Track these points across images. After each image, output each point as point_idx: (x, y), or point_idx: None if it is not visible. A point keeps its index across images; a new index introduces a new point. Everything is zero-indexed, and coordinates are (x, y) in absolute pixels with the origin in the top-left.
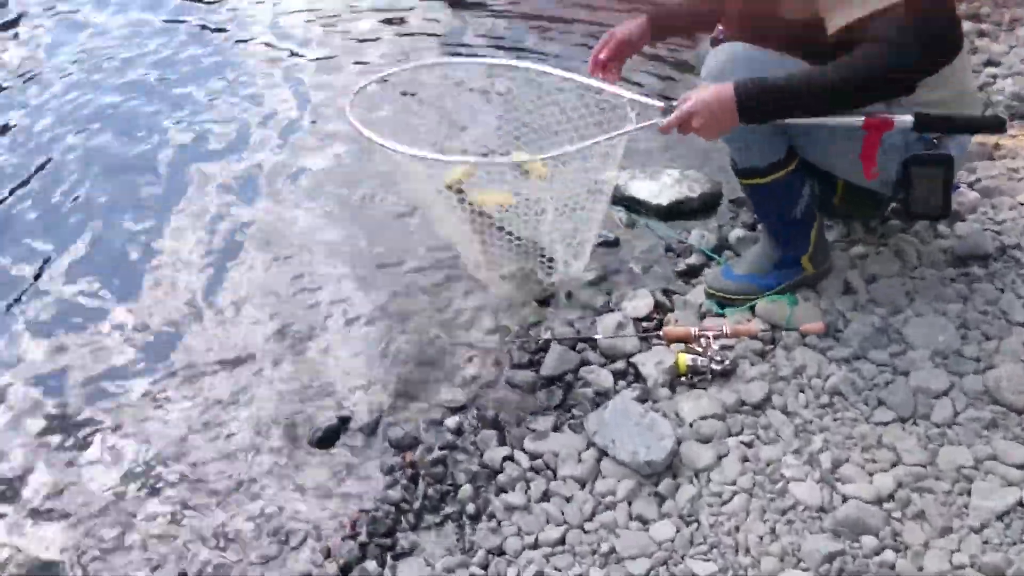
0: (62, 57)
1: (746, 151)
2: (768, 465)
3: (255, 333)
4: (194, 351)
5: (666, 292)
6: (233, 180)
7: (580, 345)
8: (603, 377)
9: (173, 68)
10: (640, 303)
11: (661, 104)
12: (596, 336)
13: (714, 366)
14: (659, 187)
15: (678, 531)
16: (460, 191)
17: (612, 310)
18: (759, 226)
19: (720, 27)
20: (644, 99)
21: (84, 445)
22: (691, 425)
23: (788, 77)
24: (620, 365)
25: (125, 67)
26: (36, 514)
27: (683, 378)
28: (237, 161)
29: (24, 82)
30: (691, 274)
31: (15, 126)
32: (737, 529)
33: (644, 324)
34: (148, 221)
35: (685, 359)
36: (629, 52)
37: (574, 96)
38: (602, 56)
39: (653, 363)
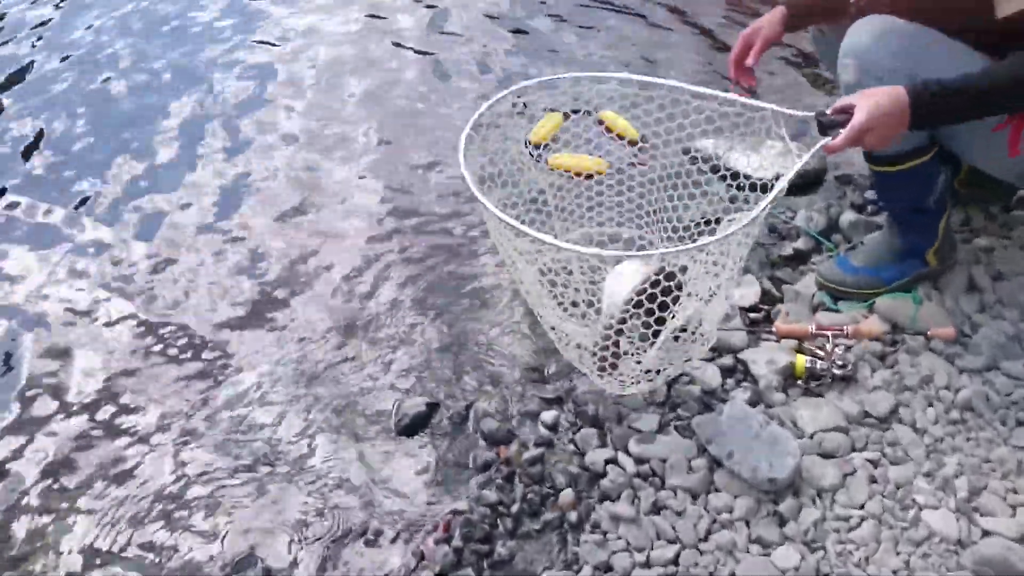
0: None
1: None
2: (898, 488)
3: (316, 316)
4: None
5: (773, 279)
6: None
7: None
8: (710, 374)
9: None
10: (748, 291)
11: (811, 114)
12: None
13: (835, 371)
14: (760, 159)
15: (803, 559)
16: (538, 147)
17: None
18: (871, 209)
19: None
20: (789, 110)
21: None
22: (811, 437)
23: (965, 79)
24: (728, 361)
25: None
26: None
27: (799, 381)
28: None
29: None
30: (799, 259)
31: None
32: (868, 560)
33: (751, 315)
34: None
35: (803, 361)
36: (766, 49)
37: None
38: (749, 61)
39: (764, 361)
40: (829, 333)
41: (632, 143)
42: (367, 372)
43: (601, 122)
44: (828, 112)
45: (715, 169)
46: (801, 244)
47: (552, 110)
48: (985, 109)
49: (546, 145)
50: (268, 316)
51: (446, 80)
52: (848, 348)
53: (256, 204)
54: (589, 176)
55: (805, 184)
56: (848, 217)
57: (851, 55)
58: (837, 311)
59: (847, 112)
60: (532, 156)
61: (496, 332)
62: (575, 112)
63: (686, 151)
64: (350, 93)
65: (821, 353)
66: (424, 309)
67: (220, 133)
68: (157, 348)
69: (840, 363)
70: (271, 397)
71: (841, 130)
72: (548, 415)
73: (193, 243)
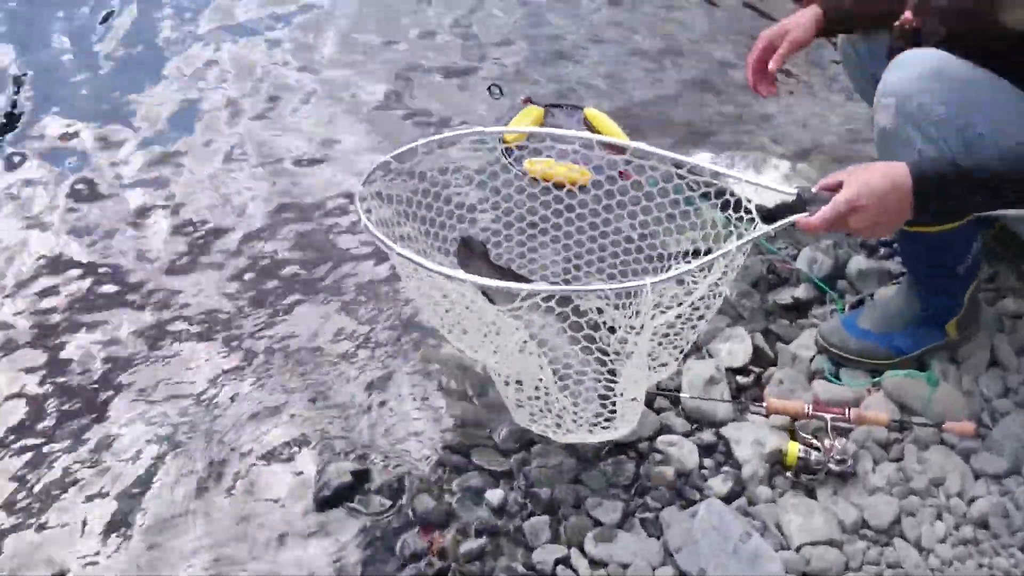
0: None
1: None
2: None
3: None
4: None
5: (768, 334)
6: None
7: (657, 401)
8: (686, 452)
9: None
10: (737, 348)
11: (794, 189)
12: (681, 394)
13: (832, 465)
14: (764, 183)
15: None
16: (510, 149)
17: (700, 350)
18: (884, 252)
19: (908, 15)
20: (766, 182)
21: None
22: (798, 551)
23: (1000, 157)
24: (708, 436)
25: None
26: None
27: (789, 472)
28: None
29: None
30: (799, 310)
31: None
32: None
33: (740, 379)
34: None
35: (796, 450)
36: (792, 54)
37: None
38: (772, 66)
39: (751, 441)
40: (828, 416)
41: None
42: (284, 427)
43: (587, 121)
44: (813, 189)
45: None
46: (802, 292)
47: (530, 101)
48: (1003, 202)
49: (521, 147)
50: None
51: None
52: (847, 431)
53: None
54: (570, 187)
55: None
56: (858, 263)
57: (892, 94)
58: (838, 382)
59: (836, 191)
60: (506, 160)
61: (440, 384)
62: (556, 107)
63: (677, 165)
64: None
65: (817, 444)
66: (357, 350)
67: None
68: None
69: (839, 458)
70: (147, 451)
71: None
72: (494, 495)
73: None
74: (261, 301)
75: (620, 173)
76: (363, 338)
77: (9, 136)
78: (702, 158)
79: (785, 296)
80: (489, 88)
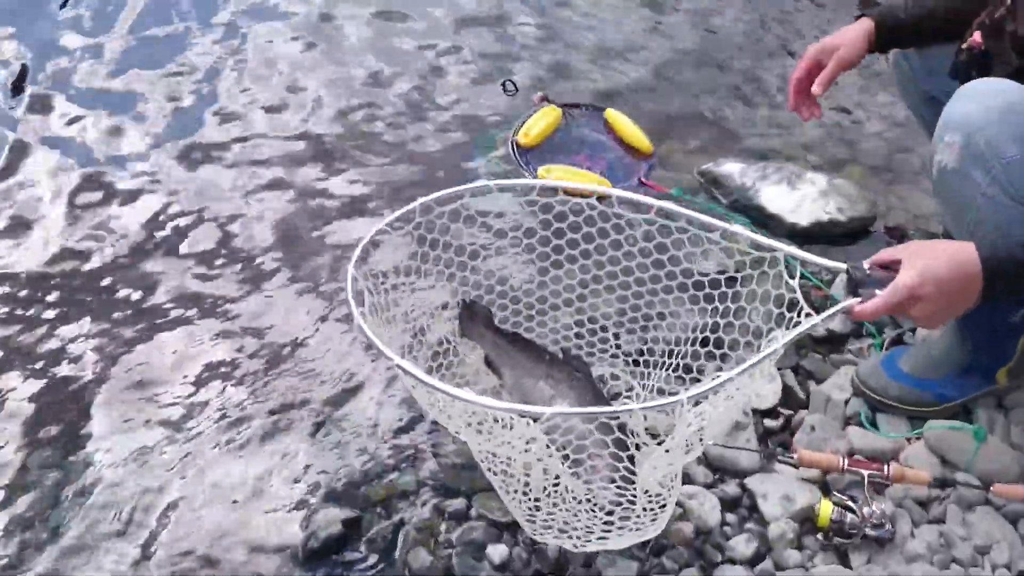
0: None
1: (982, 236)
2: None
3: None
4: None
5: (799, 371)
6: None
7: None
8: (708, 507)
9: None
10: (766, 388)
11: (843, 265)
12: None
13: (869, 530)
14: (798, 199)
15: None
16: (524, 150)
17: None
18: None
19: (977, 39)
20: (810, 256)
21: None
22: None
23: None
24: (732, 489)
25: None
26: None
27: (820, 534)
28: None
29: None
30: (833, 344)
31: None
32: None
33: (768, 422)
34: None
35: (830, 511)
36: (840, 73)
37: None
38: (816, 89)
39: (779, 497)
40: (865, 472)
41: (643, 155)
42: (268, 460)
43: (607, 123)
44: (866, 265)
45: (736, 204)
46: (837, 323)
47: (547, 100)
48: None
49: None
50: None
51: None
52: (884, 486)
53: None
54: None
55: (849, 234)
56: None
57: (957, 129)
58: (875, 430)
59: (891, 269)
60: (520, 163)
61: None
62: (575, 107)
63: (704, 175)
64: None
65: (851, 505)
66: (352, 374)
67: None
68: None
69: (877, 522)
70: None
71: (878, 291)
72: (496, 551)
73: None
74: (249, 302)
75: (641, 181)
76: (360, 362)
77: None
78: (731, 169)
79: (820, 328)
80: (503, 84)
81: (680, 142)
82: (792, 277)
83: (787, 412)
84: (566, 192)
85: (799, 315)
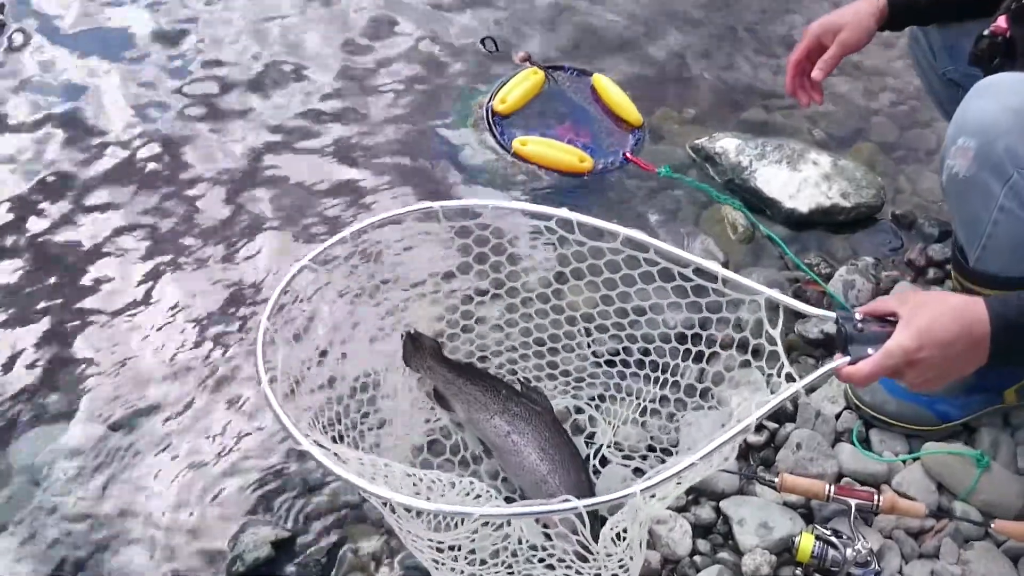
0: None
1: (994, 250)
2: None
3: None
4: None
5: (787, 377)
6: None
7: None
8: (677, 535)
9: None
10: (751, 397)
11: (832, 314)
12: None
13: (854, 570)
14: (798, 181)
15: None
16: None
17: (704, 396)
18: (933, 274)
19: (1002, 23)
20: (795, 302)
21: None
22: None
23: None
24: (706, 513)
25: None
26: None
27: (799, 568)
28: None
29: None
30: (827, 348)
31: None
32: None
33: (750, 436)
34: None
35: (810, 546)
36: (844, 57)
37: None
38: (816, 74)
39: (756, 525)
40: (852, 501)
41: (631, 127)
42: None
43: (594, 90)
44: (858, 316)
45: (730, 185)
46: (833, 325)
47: (529, 60)
48: None
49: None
50: None
51: None
52: (873, 514)
53: None
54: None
55: (852, 222)
56: (904, 289)
57: (973, 133)
58: (869, 455)
59: (886, 321)
60: (494, 133)
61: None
62: (560, 69)
63: (697, 151)
64: None
65: (835, 540)
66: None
67: None
68: None
69: (863, 561)
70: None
71: (870, 350)
72: None
73: None
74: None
75: (626, 156)
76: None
77: None
78: (726, 145)
79: (813, 329)
80: (482, 41)
81: (674, 109)
82: (773, 327)
83: (773, 426)
84: (524, 213)
85: (779, 374)
